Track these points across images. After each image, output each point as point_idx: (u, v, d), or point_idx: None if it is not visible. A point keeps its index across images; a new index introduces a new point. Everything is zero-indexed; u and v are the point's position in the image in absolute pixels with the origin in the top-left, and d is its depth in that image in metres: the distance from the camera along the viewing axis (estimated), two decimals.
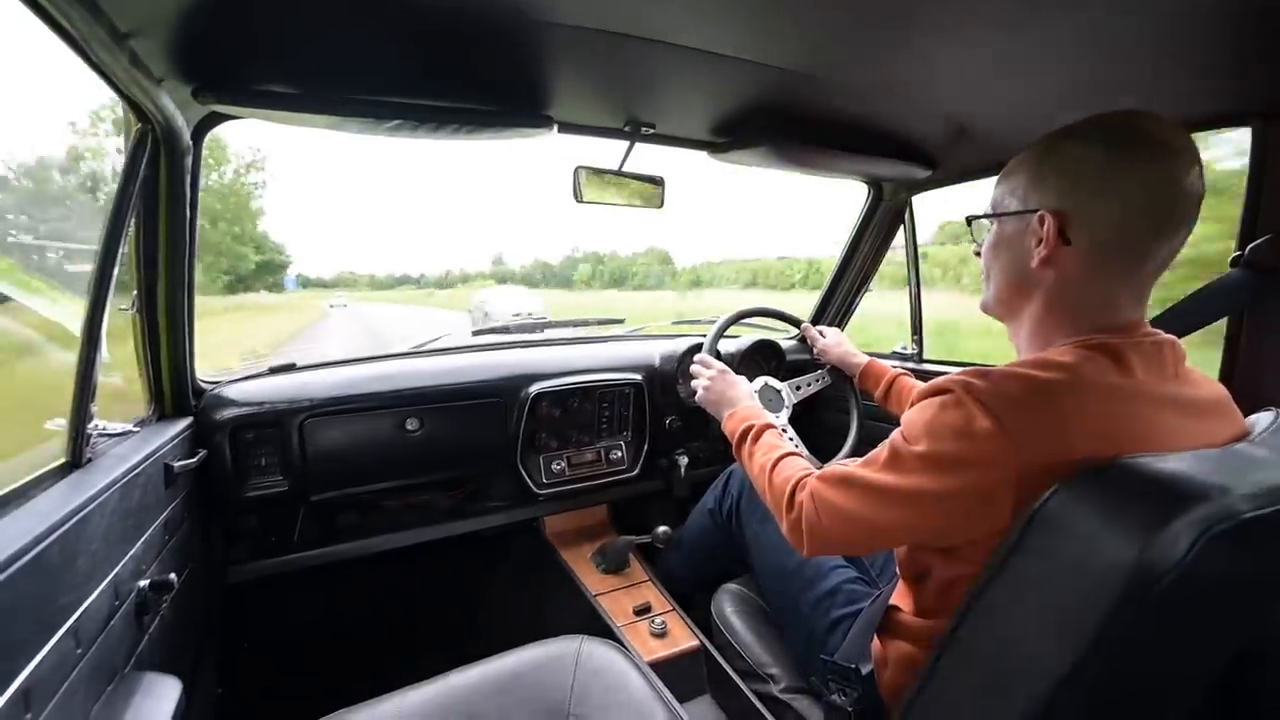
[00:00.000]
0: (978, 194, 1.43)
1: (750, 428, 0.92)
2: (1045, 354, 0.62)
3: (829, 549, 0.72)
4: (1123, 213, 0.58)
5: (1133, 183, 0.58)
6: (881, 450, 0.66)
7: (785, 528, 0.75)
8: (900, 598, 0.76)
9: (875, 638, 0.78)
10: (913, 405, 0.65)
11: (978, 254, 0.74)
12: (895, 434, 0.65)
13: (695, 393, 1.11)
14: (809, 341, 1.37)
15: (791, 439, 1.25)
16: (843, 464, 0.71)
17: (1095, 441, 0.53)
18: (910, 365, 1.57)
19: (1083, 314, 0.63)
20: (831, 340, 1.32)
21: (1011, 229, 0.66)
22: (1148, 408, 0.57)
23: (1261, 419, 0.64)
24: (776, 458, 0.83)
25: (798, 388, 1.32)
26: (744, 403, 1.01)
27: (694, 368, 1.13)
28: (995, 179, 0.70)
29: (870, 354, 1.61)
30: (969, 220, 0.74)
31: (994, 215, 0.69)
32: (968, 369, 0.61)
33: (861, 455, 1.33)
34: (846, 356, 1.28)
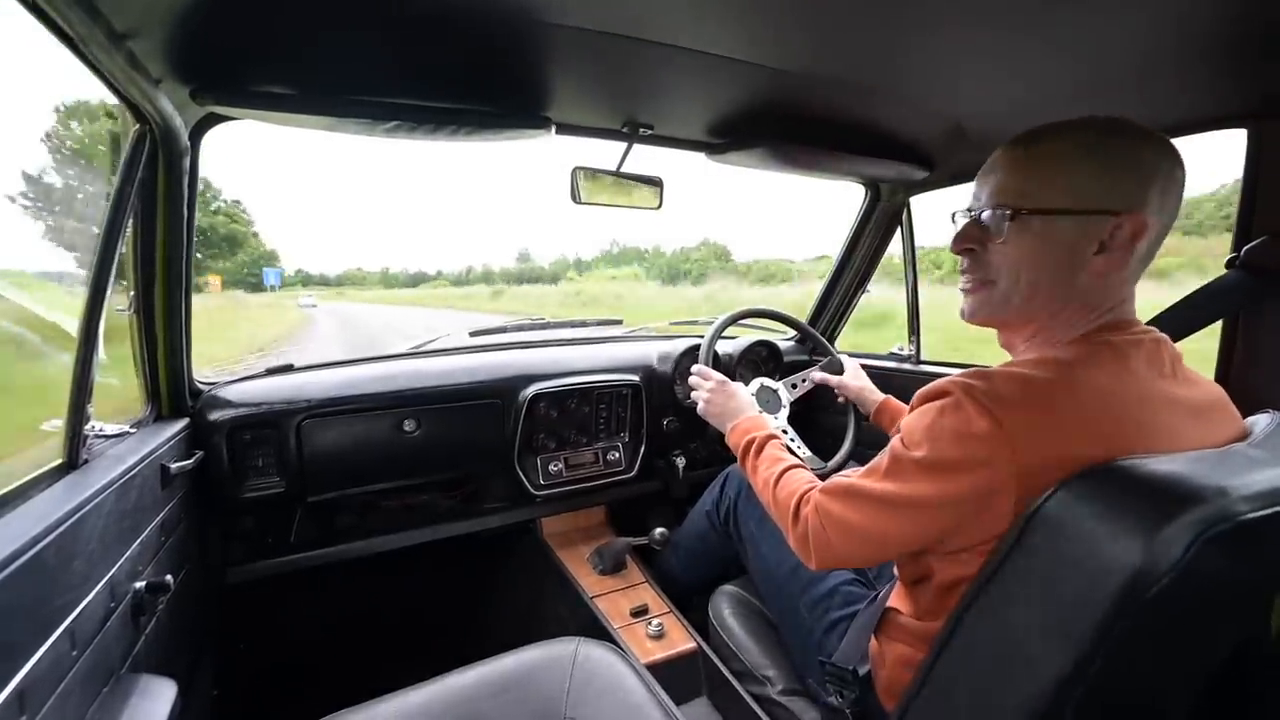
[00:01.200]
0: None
1: (753, 440, 0.92)
2: (1045, 353, 0.62)
3: (836, 562, 0.71)
4: (1169, 215, 0.60)
5: (1175, 186, 0.59)
6: (882, 458, 0.66)
7: (792, 542, 0.75)
8: (898, 600, 0.76)
9: (873, 639, 0.78)
10: (912, 409, 0.65)
11: (966, 252, 0.67)
12: (895, 440, 0.65)
13: (696, 402, 1.11)
14: (822, 381, 1.31)
15: (793, 440, 1.25)
16: (845, 475, 0.71)
17: (1093, 441, 0.53)
18: (907, 367, 1.57)
19: (1100, 314, 0.63)
20: (850, 375, 1.28)
21: (1068, 230, 0.60)
22: (1146, 406, 0.57)
23: (1260, 421, 0.64)
24: (780, 472, 0.83)
25: (793, 385, 1.32)
26: (746, 414, 1.01)
27: (693, 379, 1.13)
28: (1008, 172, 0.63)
29: (866, 354, 1.61)
30: (1013, 215, 0.61)
31: (1062, 213, 0.60)
32: (968, 370, 0.61)
33: (859, 456, 1.33)
34: (864, 393, 1.24)
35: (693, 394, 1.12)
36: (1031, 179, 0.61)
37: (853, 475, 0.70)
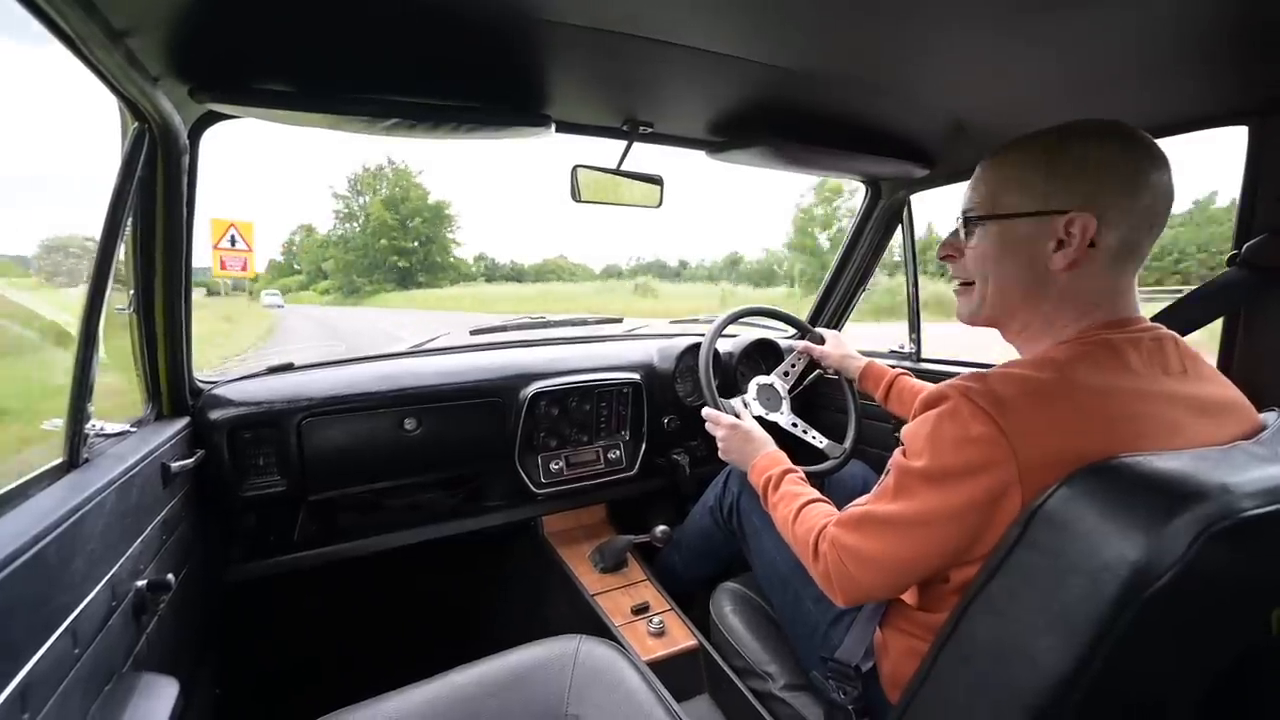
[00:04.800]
0: None
1: (770, 479, 0.91)
2: (1043, 352, 0.63)
3: (863, 596, 0.70)
4: (1138, 212, 0.60)
5: (1145, 183, 0.59)
6: (888, 478, 0.66)
7: (816, 580, 0.74)
8: (905, 593, 0.76)
9: (878, 630, 0.78)
10: (914, 417, 0.65)
11: (947, 258, 0.72)
12: (897, 453, 0.65)
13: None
14: (805, 350, 1.35)
15: (805, 431, 1.25)
16: (859, 504, 0.71)
17: (1094, 438, 0.53)
18: (908, 364, 1.57)
19: (1090, 311, 0.63)
20: (830, 345, 1.32)
21: (1024, 231, 0.63)
22: (1146, 404, 0.57)
23: (1267, 418, 0.64)
24: (797, 509, 0.82)
25: (785, 373, 1.33)
26: (762, 451, 0.99)
27: (707, 425, 1.10)
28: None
29: (867, 353, 1.61)
30: (971, 221, 0.68)
31: (1013, 216, 0.64)
32: (966, 374, 0.61)
33: (860, 453, 1.33)
34: (845, 360, 1.27)
35: (715, 436, 1.09)
36: (993, 187, 0.66)
37: (865, 501, 0.69)
